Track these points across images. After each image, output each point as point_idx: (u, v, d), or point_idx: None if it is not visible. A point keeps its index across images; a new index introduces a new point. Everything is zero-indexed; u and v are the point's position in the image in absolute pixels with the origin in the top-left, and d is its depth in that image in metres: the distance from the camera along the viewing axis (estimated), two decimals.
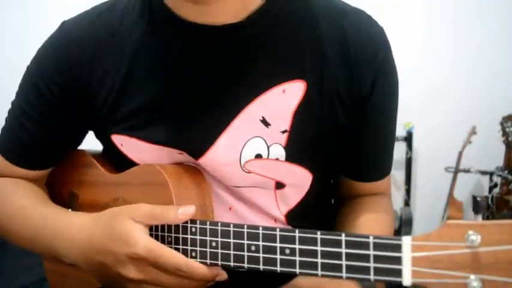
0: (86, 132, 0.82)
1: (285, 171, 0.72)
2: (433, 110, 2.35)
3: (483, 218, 1.98)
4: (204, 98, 0.70)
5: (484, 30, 2.30)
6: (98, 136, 0.79)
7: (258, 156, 0.71)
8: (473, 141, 2.20)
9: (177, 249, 0.63)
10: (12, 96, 0.78)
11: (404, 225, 2.21)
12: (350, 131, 0.74)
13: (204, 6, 0.66)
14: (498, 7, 2.29)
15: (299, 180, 0.73)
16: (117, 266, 0.62)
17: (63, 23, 0.75)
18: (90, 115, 0.74)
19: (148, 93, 0.71)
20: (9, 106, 0.78)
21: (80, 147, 0.86)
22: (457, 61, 2.34)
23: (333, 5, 0.72)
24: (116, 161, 0.76)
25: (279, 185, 0.73)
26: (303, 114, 0.70)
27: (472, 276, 0.45)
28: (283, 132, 0.70)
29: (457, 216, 2.17)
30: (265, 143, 0.71)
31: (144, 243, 0.60)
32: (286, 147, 0.71)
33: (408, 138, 2.34)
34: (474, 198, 1.85)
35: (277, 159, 0.71)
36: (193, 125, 0.71)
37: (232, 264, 0.60)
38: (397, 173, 2.41)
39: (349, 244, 0.52)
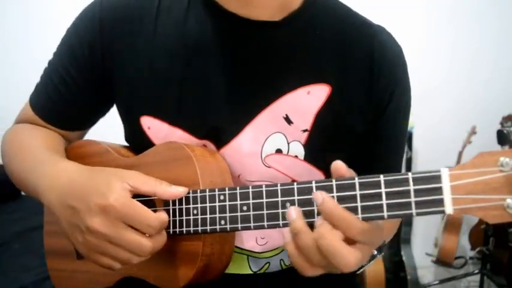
0: (112, 104, 0.82)
1: (302, 171, 0.74)
2: (433, 110, 2.35)
3: None
4: (233, 89, 0.72)
5: (483, 29, 2.31)
6: (125, 118, 0.79)
7: (278, 151, 0.73)
8: (473, 141, 2.19)
9: (204, 219, 0.64)
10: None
11: (404, 225, 2.21)
12: (364, 140, 0.76)
13: None
14: (497, 7, 2.30)
15: None
16: (86, 214, 0.62)
17: None
18: (118, 87, 0.75)
19: (178, 77, 0.72)
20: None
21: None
22: (457, 61, 2.35)
23: (362, 19, 0.77)
24: (138, 147, 0.76)
25: None
26: (324, 116, 0.73)
27: (509, 198, 0.47)
28: (304, 131, 0.73)
29: (456, 221, 2.16)
30: (286, 139, 0.73)
31: (120, 195, 0.61)
32: (306, 146, 0.73)
33: (408, 138, 2.33)
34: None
35: (296, 156, 0.73)
36: (220, 113, 0.72)
37: (266, 224, 0.59)
38: None
39: (388, 183, 0.53)
